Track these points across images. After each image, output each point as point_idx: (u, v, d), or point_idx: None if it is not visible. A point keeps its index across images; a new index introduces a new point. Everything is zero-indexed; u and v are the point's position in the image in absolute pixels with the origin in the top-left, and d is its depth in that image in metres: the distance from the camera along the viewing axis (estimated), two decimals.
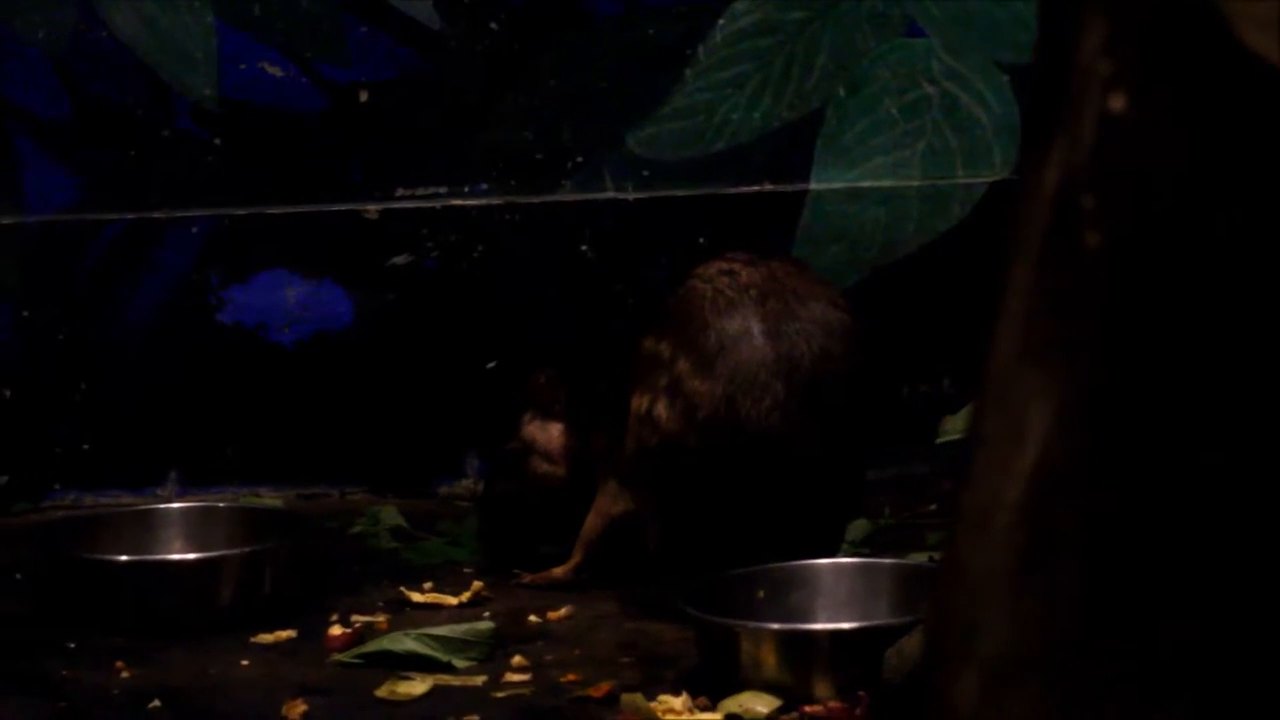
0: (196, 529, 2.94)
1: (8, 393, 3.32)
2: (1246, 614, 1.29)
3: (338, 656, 2.61)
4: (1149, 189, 1.27)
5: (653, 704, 2.39)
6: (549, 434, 2.92)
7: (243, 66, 3.31)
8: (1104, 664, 1.30)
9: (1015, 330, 1.34)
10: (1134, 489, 1.29)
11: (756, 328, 2.63)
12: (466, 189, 3.34)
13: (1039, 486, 1.31)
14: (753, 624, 2.46)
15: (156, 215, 3.33)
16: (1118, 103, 1.27)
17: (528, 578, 2.88)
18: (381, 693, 2.49)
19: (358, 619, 2.73)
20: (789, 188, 3.34)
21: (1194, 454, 1.28)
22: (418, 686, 2.50)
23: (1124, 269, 1.28)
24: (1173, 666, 1.29)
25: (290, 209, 3.33)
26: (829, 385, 2.64)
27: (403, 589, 2.84)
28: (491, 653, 2.60)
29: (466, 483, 3.31)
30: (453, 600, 2.81)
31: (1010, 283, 1.35)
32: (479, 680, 2.53)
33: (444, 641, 2.59)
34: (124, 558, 2.80)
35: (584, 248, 3.34)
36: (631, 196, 3.34)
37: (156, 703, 2.47)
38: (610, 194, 3.34)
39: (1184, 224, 1.27)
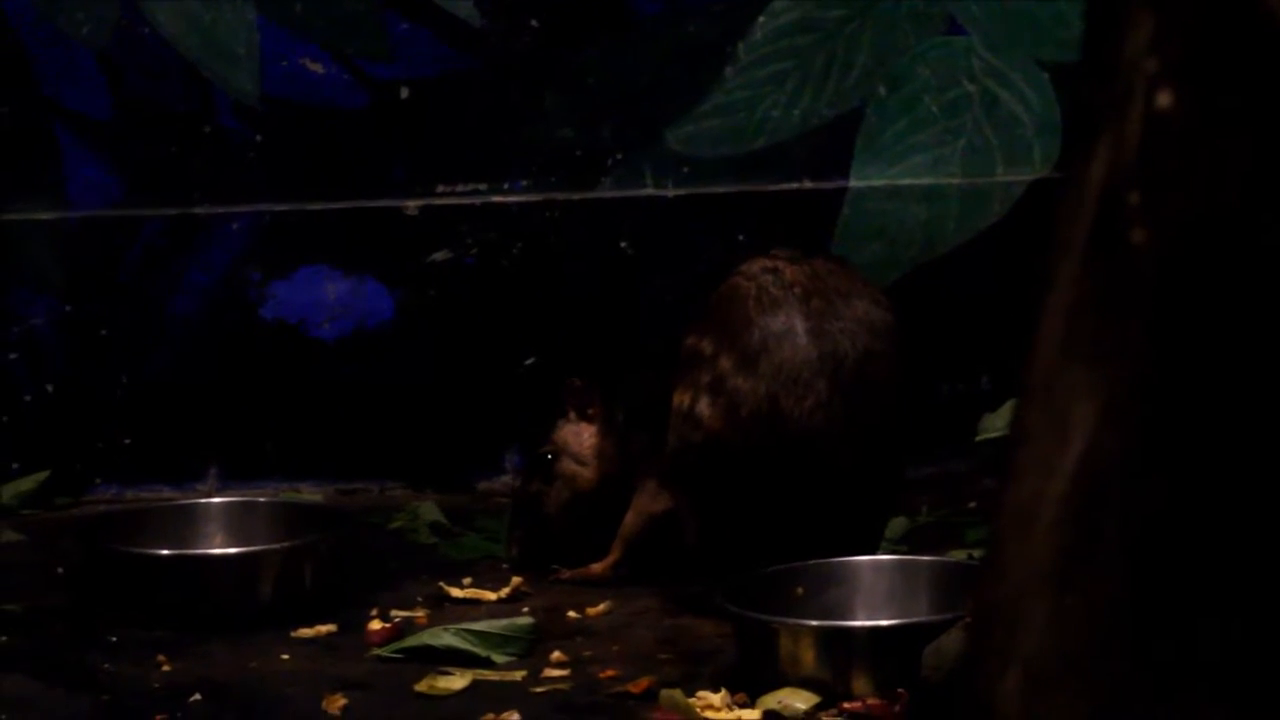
0: (237, 524, 2.94)
1: (50, 388, 3.34)
2: None
3: (377, 651, 2.62)
4: (1195, 186, 1.27)
5: (691, 700, 2.39)
6: (581, 437, 2.92)
7: (284, 63, 3.32)
8: (1148, 663, 1.30)
9: (1059, 327, 1.34)
10: (1180, 486, 1.29)
11: (800, 326, 2.63)
12: (506, 186, 3.34)
13: (1083, 483, 1.31)
14: (792, 620, 2.46)
15: (198, 211, 3.34)
16: (1164, 99, 1.27)
17: (567, 574, 2.88)
18: (421, 687, 2.49)
19: (397, 614, 2.74)
20: (829, 185, 3.34)
21: (1241, 451, 1.28)
22: (457, 681, 2.50)
23: (1170, 266, 1.28)
24: (1218, 667, 1.29)
25: (331, 205, 3.34)
26: (871, 384, 2.63)
27: (442, 584, 2.84)
28: (530, 648, 2.60)
29: (505, 479, 3.31)
30: (492, 595, 2.81)
31: (1054, 279, 1.35)
32: (518, 675, 2.53)
33: (483, 637, 2.59)
34: (165, 552, 2.81)
35: (623, 245, 3.34)
36: (671, 194, 3.34)
37: (197, 696, 2.48)
38: (650, 191, 3.34)
39: (1231, 220, 1.27)
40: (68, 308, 3.33)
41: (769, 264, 2.68)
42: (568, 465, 2.92)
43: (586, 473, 2.91)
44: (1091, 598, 1.31)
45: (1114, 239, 1.30)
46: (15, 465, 3.32)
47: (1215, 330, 1.28)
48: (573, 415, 2.93)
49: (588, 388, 2.92)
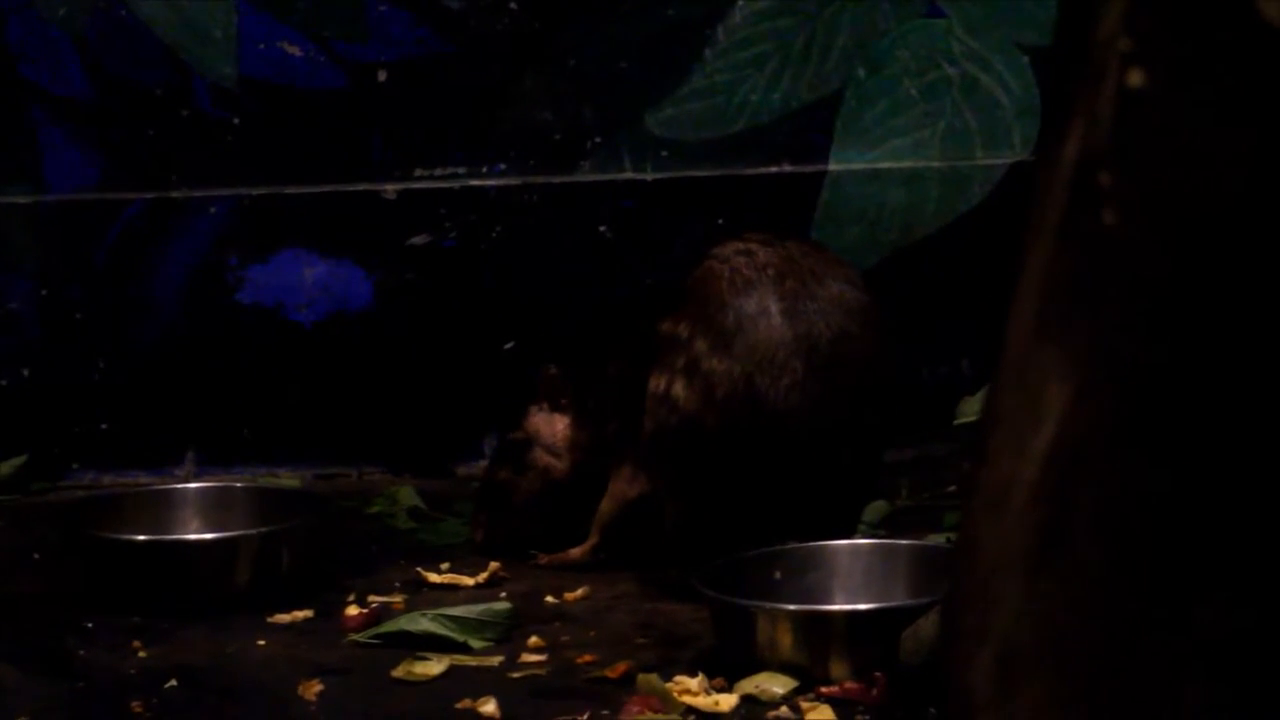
0: (214, 509, 2.94)
1: (26, 372, 3.33)
2: (1269, 597, 1.28)
3: (354, 636, 2.61)
4: (1167, 165, 1.26)
5: (669, 684, 2.39)
6: (554, 427, 2.92)
7: (262, 46, 3.31)
8: (1120, 644, 1.29)
9: (1032, 308, 1.33)
10: (1153, 467, 1.28)
11: (774, 307, 2.62)
12: (485, 169, 3.33)
13: (1057, 465, 1.31)
14: (769, 605, 2.45)
15: (175, 195, 3.33)
16: (1136, 78, 1.26)
17: (544, 559, 2.88)
18: (398, 673, 2.49)
19: (374, 599, 2.73)
20: (808, 169, 3.33)
21: (1214, 431, 1.27)
22: (434, 667, 2.50)
23: (1142, 246, 1.28)
24: (1190, 648, 1.28)
25: (309, 189, 3.33)
26: (847, 365, 2.63)
27: (419, 569, 2.84)
28: (508, 633, 2.60)
29: (484, 463, 3.30)
30: (469, 581, 2.81)
31: (1028, 260, 1.34)
32: (495, 660, 2.53)
33: (460, 622, 2.59)
34: (142, 537, 2.81)
35: (603, 228, 3.34)
36: (650, 177, 3.33)
37: (173, 682, 2.47)
38: (629, 174, 3.33)
39: (1202, 199, 1.26)
40: (44, 291, 3.32)
41: (742, 246, 2.67)
42: (540, 456, 2.91)
43: (560, 464, 2.90)
44: (1064, 578, 1.31)
45: (1086, 220, 1.29)
46: None
47: (1188, 311, 1.27)
48: (546, 405, 2.92)
49: (561, 377, 2.91)
